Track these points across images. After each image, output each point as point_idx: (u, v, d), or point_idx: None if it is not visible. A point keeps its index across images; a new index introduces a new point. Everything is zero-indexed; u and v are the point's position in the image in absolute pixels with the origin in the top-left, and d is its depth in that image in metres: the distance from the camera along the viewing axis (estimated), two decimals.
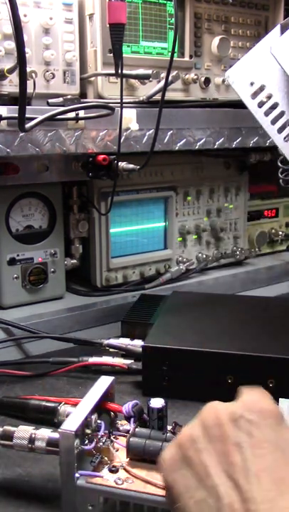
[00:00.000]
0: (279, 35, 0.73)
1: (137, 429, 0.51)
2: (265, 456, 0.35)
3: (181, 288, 1.08)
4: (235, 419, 0.36)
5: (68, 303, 1.00)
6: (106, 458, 0.49)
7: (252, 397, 0.39)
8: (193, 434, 0.38)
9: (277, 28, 0.74)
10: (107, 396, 0.53)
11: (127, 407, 0.52)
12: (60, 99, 0.83)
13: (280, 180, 0.91)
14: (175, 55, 0.84)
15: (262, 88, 0.73)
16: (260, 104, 0.74)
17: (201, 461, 0.36)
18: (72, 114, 0.82)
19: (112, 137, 0.88)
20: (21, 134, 0.78)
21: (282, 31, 0.73)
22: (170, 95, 0.96)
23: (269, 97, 0.73)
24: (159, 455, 0.41)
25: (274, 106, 0.73)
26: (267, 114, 0.74)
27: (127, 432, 0.51)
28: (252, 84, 0.74)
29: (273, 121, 0.74)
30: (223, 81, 1.04)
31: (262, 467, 0.34)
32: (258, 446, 0.35)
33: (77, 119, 0.83)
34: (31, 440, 0.51)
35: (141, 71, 0.91)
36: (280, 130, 0.74)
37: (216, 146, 1.01)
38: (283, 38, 0.70)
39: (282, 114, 0.74)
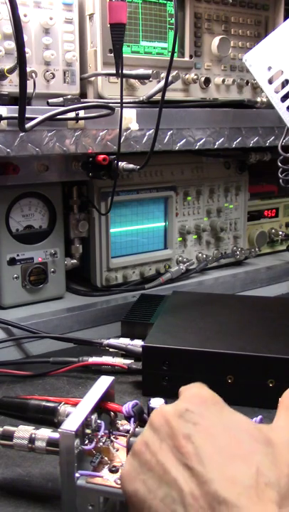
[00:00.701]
0: None
1: (137, 429, 0.50)
2: (214, 438, 0.36)
3: (181, 288, 1.08)
4: (180, 415, 0.38)
5: (68, 303, 1.00)
6: (106, 458, 0.49)
7: (191, 392, 0.41)
8: (145, 439, 0.39)
9: None
10: (107, 396, 0.53)
11: (127, 407, 0.52)
12: (60, 99, 0.83)
13: (280, 180, 0.91)
14: (175, 55, 0.84)
15: (280, 73, 0.73)
16: (277, 89, 0.73)
17: (158, 461, 0.37)
18: (72, 114, 0.82)
19: (112, 137, 0.88)
20: (21, 134, 0.78)
21: None
22: (170, 95, 0.96)
23: (287, 82, 0.73)
24: None
25: None
26: (283, 99, 0.74)
27: (127, 431, 0.51)
28: (269, 68, 0.73)
29: None
30: (223, 81, 1.04)
31: (213, 449, 0.36)
32: (205, 432, 0.37)
33: (77, 119, 0.83)
34: (31, 440, 0.51)
35: (141, 71, 0.91)
36: None
37: (216, 146, 1.01)
38: None
39: None
